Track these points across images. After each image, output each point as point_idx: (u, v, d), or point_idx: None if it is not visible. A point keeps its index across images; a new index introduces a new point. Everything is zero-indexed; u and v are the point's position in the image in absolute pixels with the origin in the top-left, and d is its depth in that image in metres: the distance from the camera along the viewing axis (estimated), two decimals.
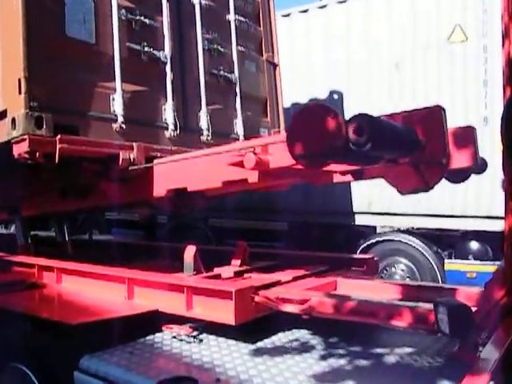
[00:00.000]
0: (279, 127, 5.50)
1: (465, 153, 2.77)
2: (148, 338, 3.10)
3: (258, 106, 5.39)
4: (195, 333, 3.12)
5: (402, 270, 6.97)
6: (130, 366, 2.65)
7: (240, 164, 2.90)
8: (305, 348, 2.92)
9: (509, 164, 2.56)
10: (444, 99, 6.30)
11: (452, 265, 6.59)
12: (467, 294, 3.06)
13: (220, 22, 4.96)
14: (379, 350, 2.81)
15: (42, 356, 3.17)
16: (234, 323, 2.92)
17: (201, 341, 3.06)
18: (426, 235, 7.05)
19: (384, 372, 2.55)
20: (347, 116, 2.06)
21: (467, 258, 6.56)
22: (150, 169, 3.74)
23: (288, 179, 3.62)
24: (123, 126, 3.84)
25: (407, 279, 6.84)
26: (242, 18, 5.11)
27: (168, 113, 4.23)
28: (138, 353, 2.86)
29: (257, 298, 3.04)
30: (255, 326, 3.05)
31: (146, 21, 4.13)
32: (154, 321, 3.21)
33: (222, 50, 4.87)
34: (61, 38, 3.57)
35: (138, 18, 4.07)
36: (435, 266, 6.71)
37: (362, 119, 2.01)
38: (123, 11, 3.96)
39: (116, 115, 3.84)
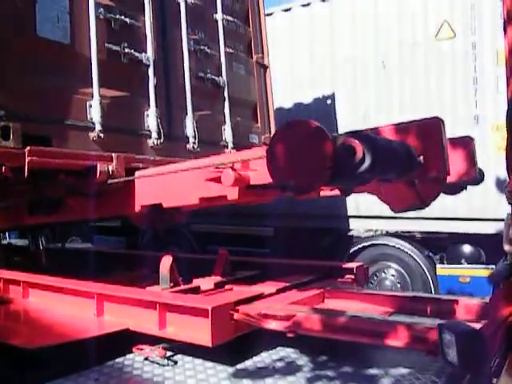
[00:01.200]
0: (270, 133, 5.12)
1: (463, 166, 2.62)
2: (117, 360, 2.81)
3: (247, 111, 5.03)
4: (169, 354, 2.82)
5: (393, 276, 6.65)
6: None
7: (218, 180, 2.67)
8: (290, 370, 2.63)
9: None
10: (432, 98, 6.11)
11: (444, 269, 6.27)
12: (466, 307, 2.80)
13: (207, 21, 4.60)
14: (372, 372, 2.53)
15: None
16: (210, 344, 2.62)
17: (175, 363, 2.77)
18: (416, 239, 6.77)
19: None
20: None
21: (460, 262, 6.24)
22: (129, 182, 3.38)
23: (271, 194, 3.24)
24: (101, 134, 3.46)
25: (398, 285, 6.57)
26: (230, 18, 4.74)
27: (151, 120, 3.85)
28: (104, 379, 2.58)
29: (236, 316, 2.77)
30: (236, 344, 2.77)
31: (127, 20, 3.75)
32: (126, 340, 2.89)
33: (208, 51, 4.50)
34: (31, 39, 3.21)
35: (117, 16, 3.69)
36: (426, 271, 6.39)
37: (353, 138, 1.79)
38: (101, 9, 3.58)
39: (93, 123, 3.46)
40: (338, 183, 2.10)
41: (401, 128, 2.34)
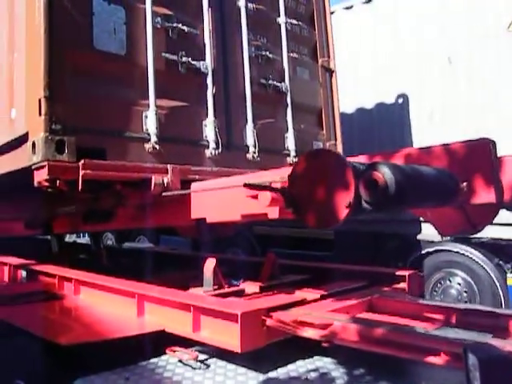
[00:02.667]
0: (335, 140, 4.84)
1: None
2: (151, 361, 2.78)
3: (311, 117, 4.74)
4: (203, 357, 2.76)
5: (459, 284, 6.12)
6: None
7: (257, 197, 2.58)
8: (323, 381, 2.50)
9: None
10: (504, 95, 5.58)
11: None
12: None
13: (269, 25, 4.35)
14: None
15: (43, 375, 2.89)
16: (239, 350, 2.53)
17: (207, 367, 2.70)
18: (485, 245, 6.12)
19: None
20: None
21: None
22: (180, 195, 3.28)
23: None
24: (156, 146, 3.33)
25: (464, 294, 6.04)
26: (293, 21, 4.48)
27: (209, 129, 3.67)
28: (134, 378, 2.57)
29: (269, 322, 2.65)
30: (273, 351, 2.68)
31: (185, 28, 3.58)
32: (162, 342, 2.87)
33: (270, 56, 4.25)
34: (87, 52, 3.13)
35: (175, 25, 3.54)
36: (496, 281, 5.83)
37: (375, 170, 1.68)
38: (158, 19, 3.45)
39: (149, 134, 3.34)
40: (361, 216, 1.97)
41: (444, 151, 2.16)
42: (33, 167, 2.99)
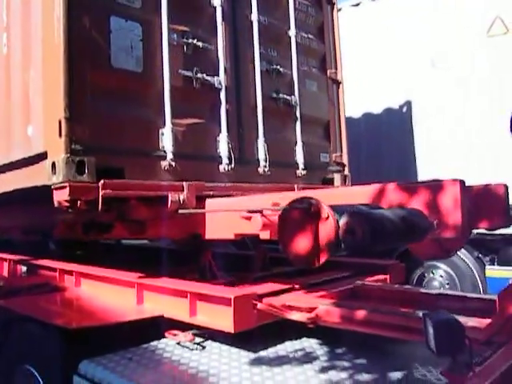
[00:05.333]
0: (341, 151, 4.81)
1: (495, 215, 2.60)
2: (152, 343, 3.00)
3: (319, 130, 4.70)
4: (200, 340, 2.99)
5: (441, 277, 6.50)
6: (125, 372, 2.61)
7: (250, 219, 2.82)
8: (308, 358, 2.74)
9: None
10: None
11: (494, 271, 6.00)
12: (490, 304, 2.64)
13: (279, 38, 4.28)
14: (388, 363, 2.58)
15: (49, 359, 3.11)
16: (233, 331, 2.74)
17: (204, 348, 2.93)
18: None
19: None
20: None
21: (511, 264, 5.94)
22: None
23: None
24: (173, 163, 3.30)
25: (446, 286, 6.41)
26: (303, 34, 4.44)
27: (222, 145, 3.63)
28: (136, 359, 2.78)
29: (259, 305, 2.85)
30: (263, 332, 2.89)
31: (199, 44, 3.53)
32: (162, 326, 3.10)
33: (281, 70, 4.19)
34: (106, 71, 3.07)
35: (190, 41, 3.49)
36: (476, 273, 6.19)
37: (353, 219, 1.92)
38: (174, 35, 3.39)
39: (165, 151, 3.30)
40: (345, 254, 2.34)
41: (418, 190, 2.34)
42: (52, 187, 2.97)
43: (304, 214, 2.12)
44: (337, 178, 4.73)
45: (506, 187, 2.65)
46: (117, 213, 3.41)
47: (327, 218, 2.01)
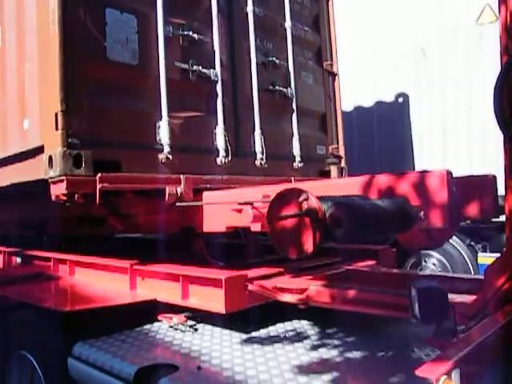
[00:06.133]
0: (337, 143, 4.79)
1: (482, 206, 2.54)
2: (145, 326, 3.07)
3: (315, 122, 4.69)
4: (192, 322, 3.05)
5: (434, 265, 6.55)
6: (118, 353, 2.65)
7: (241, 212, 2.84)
8: (299, 338, 2.80)
9: (508, 139, 2.23)
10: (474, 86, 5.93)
11: (486, 258, 5.97)
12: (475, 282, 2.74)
13: (275, 30, 4.24)
14: (378, 341, 2.65)
15: (45, 344, 3.14)
16: (224, 312, 2.78)
17: (196, 330, 2.99)
18: (459, 228, 6.45)
19: (374, 364, 2.40)
20: None
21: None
22: None
23: None
24: (169, 156, 3.28)
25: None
26: (299, 25, 4.42)
27: (219, 137, 3.62)
28: (130, 341, 2.83)
29: (251, 287, 2.89)
30: (255, 314, 2.96)
31: (195, 36, 3.50)
32: (155, 310, 3.16)
33: (277, 62, 4.16)
34: (102, 64, 3.04)
35: (185, 33, 3.46)
36: (468, 260, 6.25)
37: (339, 210, 1.92)
38: (170, 27, 3.36)
39: (162, 144, 3.28)
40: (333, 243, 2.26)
41: (405, 179, 2.33)
42: (49, 181, 2.96)
43: (292, 205, 2.10)
44: (333, 170, 4.72)
45: (495, 178, 2.64)
46: (110, 207, 3.42)
47: (315, 208, 2.00)
